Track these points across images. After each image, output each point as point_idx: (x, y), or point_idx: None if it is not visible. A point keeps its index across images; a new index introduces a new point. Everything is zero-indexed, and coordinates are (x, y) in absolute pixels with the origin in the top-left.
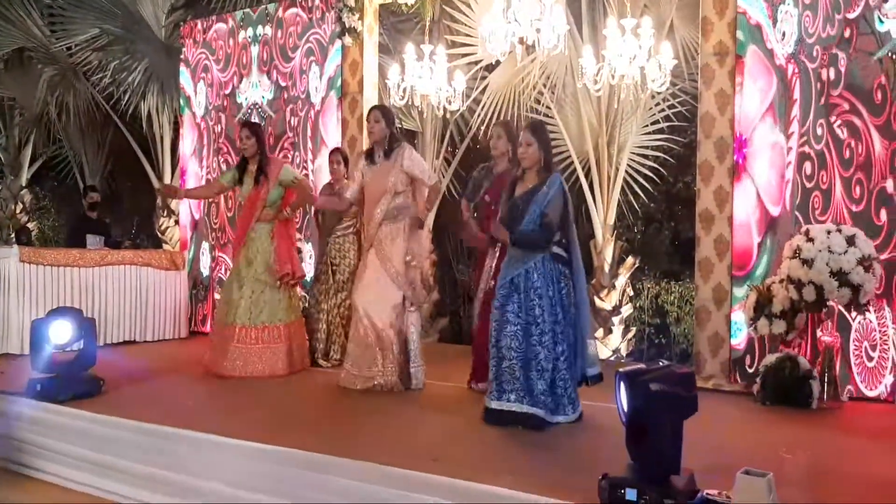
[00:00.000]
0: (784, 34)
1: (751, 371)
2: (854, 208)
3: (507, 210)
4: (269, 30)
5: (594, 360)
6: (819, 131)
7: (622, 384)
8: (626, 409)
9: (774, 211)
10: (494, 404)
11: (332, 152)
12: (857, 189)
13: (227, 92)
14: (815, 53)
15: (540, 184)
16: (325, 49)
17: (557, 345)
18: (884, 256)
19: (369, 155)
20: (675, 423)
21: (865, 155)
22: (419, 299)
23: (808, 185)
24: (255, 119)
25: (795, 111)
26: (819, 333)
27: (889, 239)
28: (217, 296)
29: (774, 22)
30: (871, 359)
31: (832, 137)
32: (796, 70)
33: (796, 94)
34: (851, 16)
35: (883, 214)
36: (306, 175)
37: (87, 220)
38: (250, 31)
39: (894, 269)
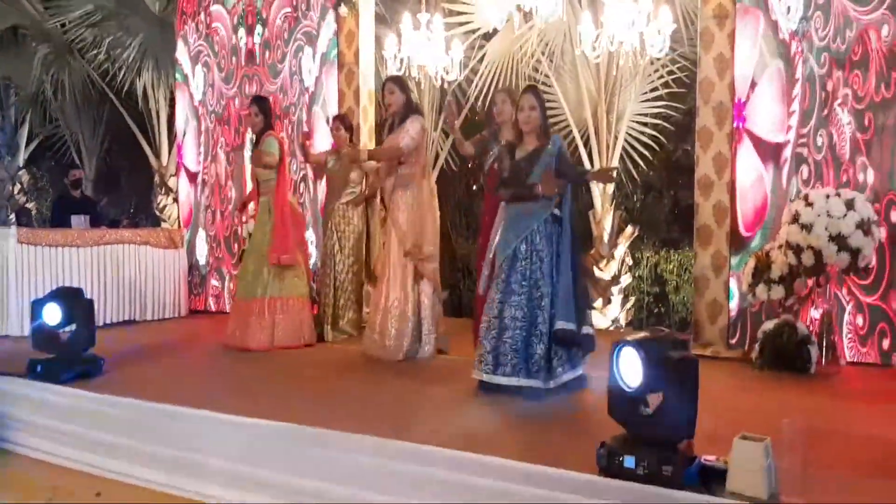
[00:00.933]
0: (789, 8)
1: (732, 342)
2: None
3: (511, 172)
4: (259, 31)
5: (570, 316)
6: (819, 141)
7: (633, 353)
8: (636, 377)
9: (779, 137)
10: (486, 377)
11: (334, 119)
12: None
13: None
14: (822, 60)
15: (542, 145)
16: (314, 37)
17: (553, 307)
18: (870, 300)
19: (390, 125)
20: (694, 386)
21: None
22: (426, 270)
23: (804, 190)
24: None
25: (797, 90)
26: (812, 310)
27: (878, 283)
28: (215, 282)
29: None
30: (863, 345)
31: (831, 152)
32: (800, 49)
33: (798, 75)
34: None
35: (873, 259)
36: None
37: (70, 200)
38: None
39: (879, 317)
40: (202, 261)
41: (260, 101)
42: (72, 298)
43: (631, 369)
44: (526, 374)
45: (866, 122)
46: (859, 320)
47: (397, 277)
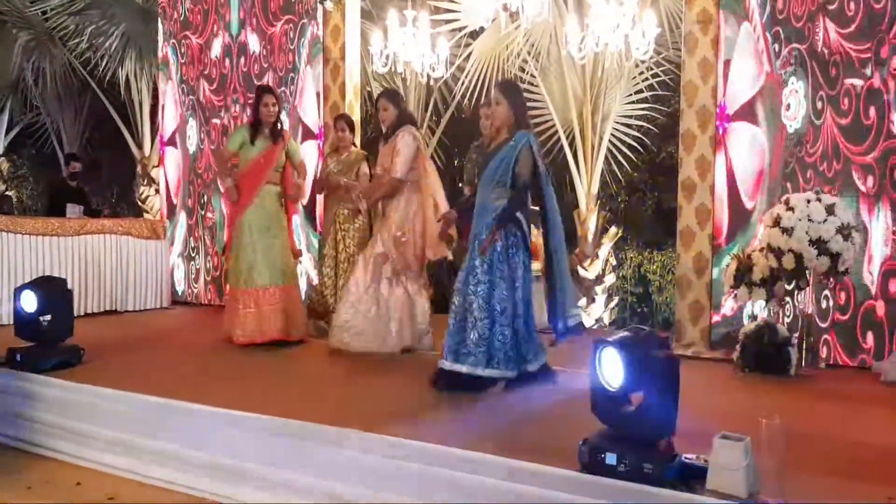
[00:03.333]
0: (778, 53)
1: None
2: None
3: (480, 160)
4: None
5: (570, 311)
6: None
7: (615, 353)
8: (618, 378)
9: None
10: (448, 366)
11: (336, 119)
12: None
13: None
14: (806, 142)
15: (507, 140)
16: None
17: (499, 301)
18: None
19: (385, 135)
20: (674, 386)
21: None
22: (397, 265)
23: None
24: None
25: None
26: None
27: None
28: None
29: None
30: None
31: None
32: (787, 104)
33: (784, 118)
34: None
35: (871, 111)
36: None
37: (66, 189)
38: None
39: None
40: (178, 275)
41: (271, 91)
42: (49, 287)
43: (613, 369)
44: (485, 364)
45: None
46: None
47: (369, 272)
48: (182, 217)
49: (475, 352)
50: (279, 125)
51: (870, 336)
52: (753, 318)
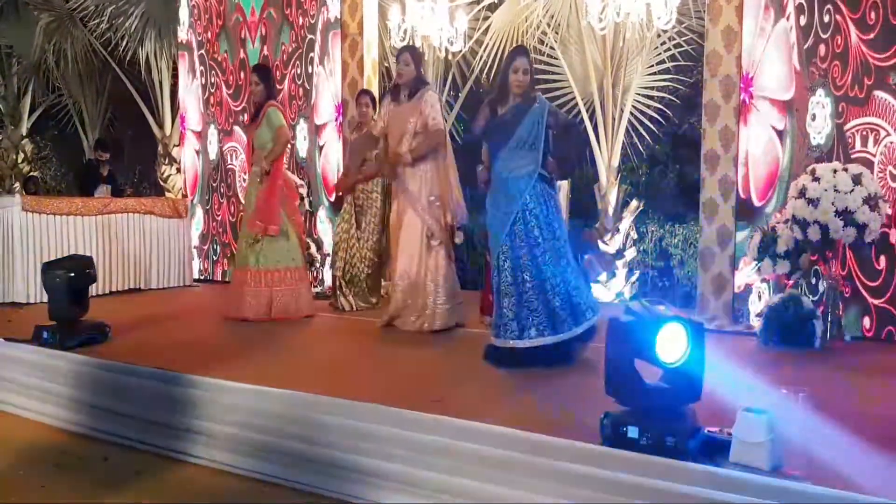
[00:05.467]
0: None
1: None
2: None
3: (493, 128)
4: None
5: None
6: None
7: (680, 329)
8: (677, 353)
9: (787, 95)
10: (518, 343)
11: (359, 94)
12: None
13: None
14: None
15: (528, 101)
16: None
17: (561, 258)
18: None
19: (394, 93)
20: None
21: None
22: (439, 236)
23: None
24: None
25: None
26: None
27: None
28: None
29: None
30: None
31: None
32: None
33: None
34: None
35: (882, 260)
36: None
37: (94, 172)
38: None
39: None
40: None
41: (260, 70)
42: (76, 264)
43: (673, 345)
44: (552, 331)
45: None
46: (866, 322)
47: (406, 250)
48: (199, 213)
49: (566, 318)
50: (266, 104)
51: None
52: (781, 289)
